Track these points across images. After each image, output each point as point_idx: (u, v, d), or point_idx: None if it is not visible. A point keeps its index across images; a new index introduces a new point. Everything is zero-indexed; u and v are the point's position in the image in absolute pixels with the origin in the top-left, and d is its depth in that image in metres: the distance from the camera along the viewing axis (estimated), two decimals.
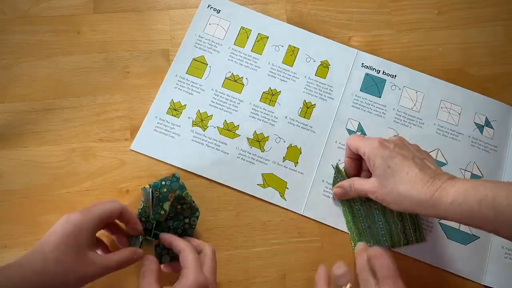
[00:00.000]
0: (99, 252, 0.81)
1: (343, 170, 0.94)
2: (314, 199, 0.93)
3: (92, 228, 0.73)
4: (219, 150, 0.95)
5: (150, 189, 0.88)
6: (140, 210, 0.88)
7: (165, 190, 0.88)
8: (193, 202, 0.88)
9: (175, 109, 0.97)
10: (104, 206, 0.76)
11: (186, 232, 0.87)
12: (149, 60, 1.00)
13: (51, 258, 0.67)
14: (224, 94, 0.99)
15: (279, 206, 0.93)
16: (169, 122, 0.96)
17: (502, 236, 0.69)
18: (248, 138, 0.96)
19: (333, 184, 0.93)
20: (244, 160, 0.95)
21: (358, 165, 0.93)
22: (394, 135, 0.91)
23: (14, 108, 0.95)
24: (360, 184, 0.86)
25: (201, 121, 0.96)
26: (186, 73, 1.00)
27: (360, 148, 0.86)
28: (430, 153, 0.96)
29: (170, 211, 0.86)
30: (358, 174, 0.93)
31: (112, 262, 0.75)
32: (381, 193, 0.80)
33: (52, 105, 0.96)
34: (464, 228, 0.93)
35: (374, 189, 0.82)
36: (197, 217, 0.88)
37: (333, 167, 0.95)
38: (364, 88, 1.00)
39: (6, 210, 0.89)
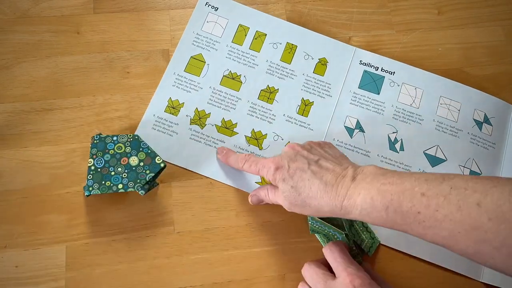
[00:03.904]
0: None
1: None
2: None
3: None
4: (217, 148, 0.95)
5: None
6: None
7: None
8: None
9: (173, 107, 0.97)
10: None
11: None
12: (149, 60, 1.00)
13: None
14: (222, 92, 0.99)
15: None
16: (167, 120, 0.96)
17: (420, 238, 0.68)
18: (246, 136, 0.96)
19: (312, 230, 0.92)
20: None
21: None
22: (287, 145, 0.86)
23: (13, 108, 0.95)
24: (274, 197, 0.83)
25: (199, 119, 0.96)
26: (184, 71, 1.00)
27: (264, 177, 0.86)
28: (430, 150, 0.97)
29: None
30: None
31: None
32: (295, 209, 0.79)
33: (52, 105, 0.96)
34: None
35: (287, 206, 0.80)
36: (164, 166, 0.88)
37: None
38: (362, 85, 1.01)
39: (6, 210, 0.89)
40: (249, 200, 0.91)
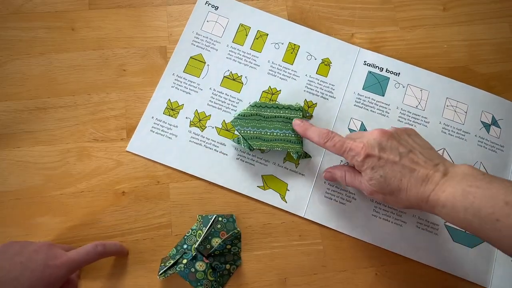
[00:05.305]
0: None
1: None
2: (315, 201, 0.91)
3: (64, 279, 0.73)
4: (217, 151, 0.93)
5: (214, 216, 0.88)
6: (185, 237, 0.88)
7: (219, 226, 0.87)
8: (240, 251, 0.87)
9: (172, 109, 0.95)
10: (87, 258, 0.77)
11: (222, 278, 0.86)
12: (146, 58, 0.98)
13: None
14: (223, 93, 0.97)
15: (279, 208, 0.91)
16: (166, 123, 0.94)
17: (491, 244, 0.69)
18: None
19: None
20: (243, 161, 0.93)
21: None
22: (375, 130, 0.84)
23: (6, 107, 0.93)
24: (353, 181, 0.84)
25: (199, 121, 0.94)
26: (184, 71, 0.98)
27: (347, 160, 0.84)
28: None
29: (217, 249, 0.84)
30: None
31: None
32: (379, 197, 0.80)
33: (46, 104, 0.94)
34: None
35: (371, 193, 0.81)
36: (237, 266, 0.87)
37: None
38: (366, 87, 0.99)
39: None
40: (323, 175, 0.91)
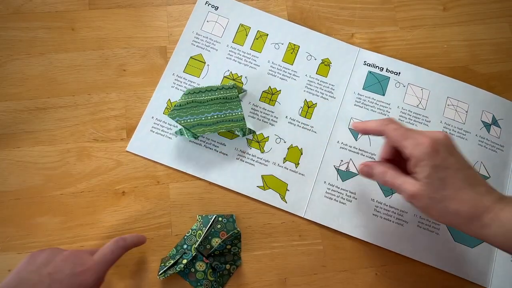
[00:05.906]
0: None
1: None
2: (315, 201, 0.91)
3: (95, 284, 0.73)
4: (217, 151, 0.93)
5: (214, 216, 0.88)
6: (185, 237, 0.88)
7: (219, 226, 0.87)
8: (240, 251, 0.87)
9: None
10: (113, 257, 0.76)
11: (222, 278, 0.86)
12: (146, 58, 0.98)
13: None
14: None
15: (279, 208, 0.91)
16: (166, 123, 0.94)
17: None
18: (247, 139, 0.94)
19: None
20: (243, 161, 0.93)
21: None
22: (439, 131, 0.79)
23: (6, 107, 0.93)
24: (395, 179, 0.76)
25: None
26: (184, 71, 0.98)
27: (405, 149, 0.75)
28: None
29: (217, 249, 0.84)
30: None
31: None
32: (424, 201, 0.73)
33: (45, 104, 0.94)
34: None
35: (416, 193, 0.73)
36: (237, 266, 0.87)
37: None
38: (367, 86, 0.98)
39: None
40: (359, 168, 0.83)
